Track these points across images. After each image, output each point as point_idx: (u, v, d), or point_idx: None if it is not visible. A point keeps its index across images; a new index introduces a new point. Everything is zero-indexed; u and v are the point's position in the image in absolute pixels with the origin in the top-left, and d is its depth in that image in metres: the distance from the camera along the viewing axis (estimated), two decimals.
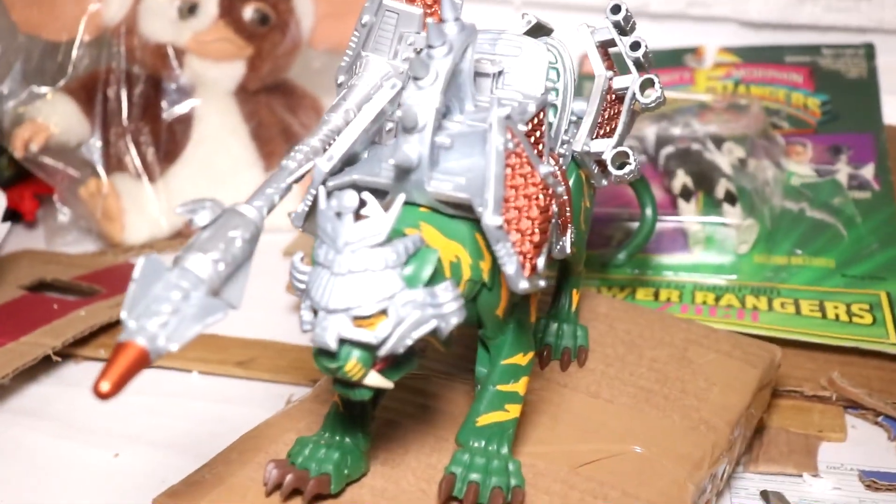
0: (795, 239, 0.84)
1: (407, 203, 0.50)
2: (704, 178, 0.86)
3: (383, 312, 0.46)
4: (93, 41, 0.95)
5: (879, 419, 0.71)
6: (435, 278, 0.47)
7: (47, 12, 0.93)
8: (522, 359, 0.54)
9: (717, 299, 0.78)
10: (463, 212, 0.50)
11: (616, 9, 0.61)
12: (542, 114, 0.53)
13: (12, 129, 0.93)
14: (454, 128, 0.50)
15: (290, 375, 0.75)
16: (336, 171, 0.51)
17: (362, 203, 0.46)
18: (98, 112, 0.94)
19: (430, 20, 0.51)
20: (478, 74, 0.54)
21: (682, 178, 0.86)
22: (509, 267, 0.47)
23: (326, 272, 0.46)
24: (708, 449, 0.58)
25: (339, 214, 0.46)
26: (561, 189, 0.53)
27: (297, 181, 0.51)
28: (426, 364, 0.64)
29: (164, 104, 0.95)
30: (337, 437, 0.53)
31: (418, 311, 0.46)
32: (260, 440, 0.57)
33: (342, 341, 0.46)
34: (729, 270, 0.81)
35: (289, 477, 0.52)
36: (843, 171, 0.90)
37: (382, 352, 0.46)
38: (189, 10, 0.93)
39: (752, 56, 1.06)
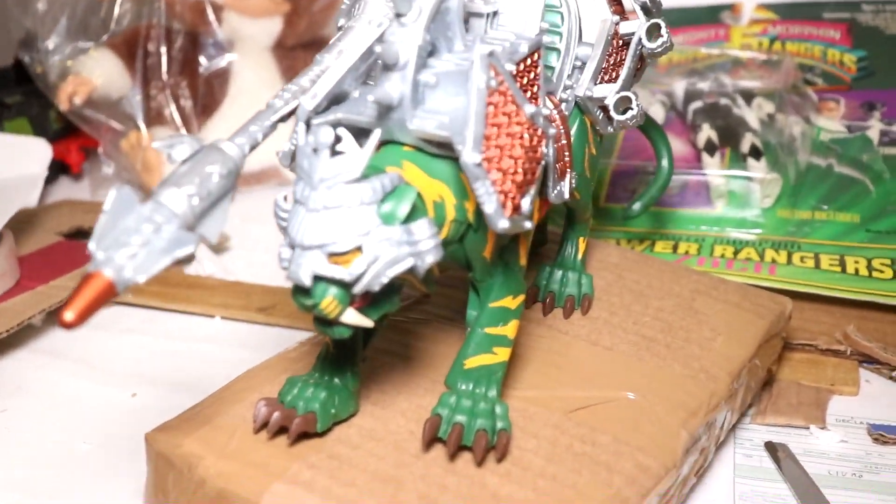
0: (822, 194, 0.83)
1: (391, 142, 0.51)
2: (731, 132, 0.85)
3: (359, 249, 0.46)
4: None
5: (893, 374, 0.70)
6: (414, 217, 0.47)
7: None
8: (511, 301, 0.55)
9: (736, 252, 0.78)
10: (447, 151, 0.50)
11: None
12: (536, 55, 0.53)
13: (58, 83, 0.95)
14: (441, 66, 0.50)
15: (308, 321, 0.75)
16: (322, 109, 0.52)
17: (339, 139, 0.47)
18: (139, 67, 0.96)
19: None
20: (471, 14, 0.54)
21: (706, 132, 0.85)
22: (488, 206, 0.48)
23: (303, 208, 0.46)
24: (705, 398, 0.58)
25: (315, 150, 0.47)
26: (553, 131, 0.53)
27: (282, 120, 0.52)
28: (428, 308, 0.65)
29: (202, 59, 0.97)
30: (326, 377, 0.54)
31: (394, 249, 0.46)
32: (255, 380, 0.58)
33: (317, 278, 0.46)
34: (752, 224, 0.81)
35: (275, 415, 0.53)
36: (875, 128, 0.89)
37: (357, 289, 0.46)
38: None
39: (789, 12, 1.05)
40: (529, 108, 0.50)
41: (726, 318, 0.65)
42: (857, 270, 0.75)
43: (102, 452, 0.63)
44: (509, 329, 0.55)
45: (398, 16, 0.49)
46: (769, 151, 0.83)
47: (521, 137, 0.50)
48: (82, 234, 0.89)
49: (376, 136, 0.47)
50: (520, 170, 0.49)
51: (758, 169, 0.82)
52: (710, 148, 0.85)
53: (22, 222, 0.86)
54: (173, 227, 0.45)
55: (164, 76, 0.96)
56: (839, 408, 0.68)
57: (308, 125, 0.51)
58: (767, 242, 0.79)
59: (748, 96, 0.89)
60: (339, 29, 0.58)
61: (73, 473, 0.61)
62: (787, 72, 0.91)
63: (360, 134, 0.50)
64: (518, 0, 0.55)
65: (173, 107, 0.96)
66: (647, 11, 0.61)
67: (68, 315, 0.42)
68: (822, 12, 1.03)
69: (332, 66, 0.52)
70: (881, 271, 0.75)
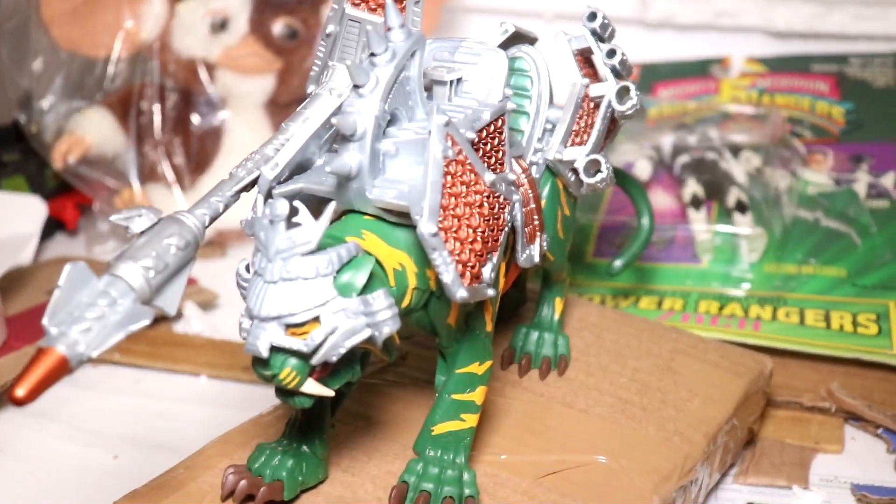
0: (808, 248, 0.83)
1: (352, 211, 0.51)
2: (717, 187, 0.85)
3: (316, 320, 0.46)
4: (129, 57, 0.98)
5: (879, 431, 0.70)
6: (372, 287, 0.48)
7: (87, 29, 0.97)
8: (478, 368, 0.54)
9: (721, 308, 0.78)
10: (408, 220, 0.50)
11: (592, 16, 0.62)
12: (500, 121, 0.54)
13: (53, 142, 0.96)
14: (401, 135, 0.51)
15: None
16: (284, 178, 0.52)
17: (297, 211, 0.47)
18: (133, 125, 0.97)
19: (369, 27, 0.52)
20: (435, 82, 0.55)
21: (692, 187, 0.85)
22: (446, 276, 0.48)
23: (260, 280, 0.47)
24: (679, 461, 0.58)
25: (271, 222, 0.47)
26: (518, 197, 0.53)
27: (245, 189, 0.52)
28: (403, 370, 0.65)
29: (195, 117, 0.98)
30: (294, 444, 0.54)
31: (351, 320, 0.46)
32: (228, 446, 0.58)
33: (275, 349, 0.46)
34: (738, 280, 0.81)
35: (242, 483, 0.53)
36: (862, 181, 0.89)
37: (315, 360, 0.46)
38: (220, 26, 0.96)
39: (778, 65, 1.05)
40: (489, 177, 0.51)
41: (704, 378, 0.65)
42: (842, 326, 0.75)
43: None
44: (477, 395, 0.54)
45: (356, 87, 0.50)
46: (755, 206, 0.83)
47: (481, 206, 0.50)
48: None
49: (331, 207, 0.48)
50: (479, 238, 0.49)
51: (744, 223, 0.82)
52: (696, 202, 0.84)
53: (14, 280, 0.87)
54: (129, 301, 0.45)
55: (158, 134, 0.97)
56: (823, 467, 0.67)
57: (270, 195, 0.51)
58: (753, 298, 0.79)
59: (736, 150, 0.89)
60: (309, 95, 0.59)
61: None
62: (776, 125, 0.91)
63: (323, 203, 0.50)
64: (481, 67, 0.56)
65: (167, 164, 0.96)
66: (618, 74, 0.62)
67: (20, 392, 0.42)
68: (811, 64, 1.03)
69: (294, 135, 0.52)
70: (866, 327, 0.74)
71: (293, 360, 0.47)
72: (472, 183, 0.50)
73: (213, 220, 0.50)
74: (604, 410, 0.62)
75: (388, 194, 0.50)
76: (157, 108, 0.97)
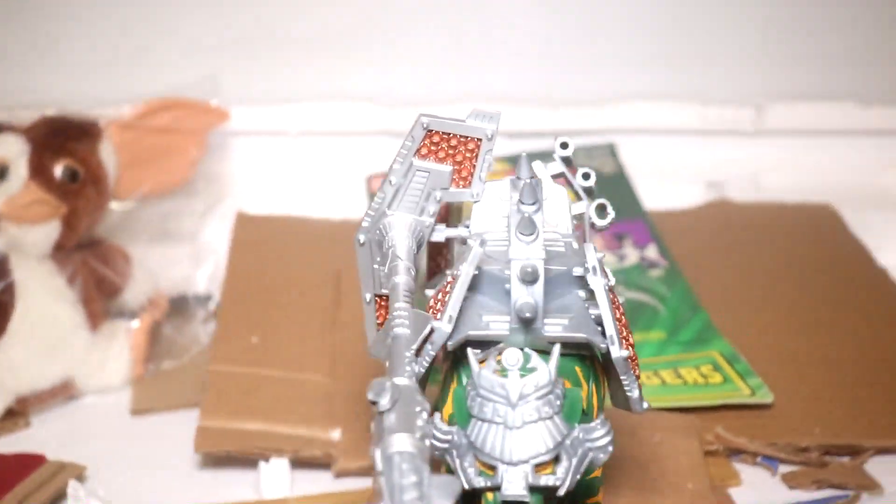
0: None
1: (523, 350, 0.55)
2: None
3: (558, 456, 0.51)
4: None
5: (758, 460, 0.83)
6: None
7: None
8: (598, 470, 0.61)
9: None
10: (570, 349, 0.56)
11: (565, 145, 0.70)
12: None
13: None
14: None
15: None
16: None
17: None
18: None
19: (523, 181, 0.57)
20: None
21: None
22: (634, 392, 0.55)
23: (499, 427, 0.51)
24: None
25: (503, 371, 0.51)
26: None
27: (420, 347, 0.54)
28: None
29: None
30: None
31: (580, 449, 0.52)
32: None
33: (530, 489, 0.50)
34: None
35: None
36: (632, 255, 1.04)
37: (562, 492, 0.51)
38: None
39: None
40: (622, 297, 0.58)
41: (672, 446, 0.75)
42: (695, 381, 0.88)
43: None
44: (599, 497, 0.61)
45: (523, 235, 0.55)
46: None
47: (627, 326, 0.57)
48: None
49: (557, 351, 0.52)
50: (637, 355, 0.56)
51: None
52: None
53: None
54: (426, 473, 0.46)
55: None
56: (739, 500, 0.80)
57: (445, 347, 0.54)
58: None
59: None
60: (362, 245, 0.62)
61: None
62: None
63: (481, 346, 0.54)
64: (551, 201, 0.63)
65: None
66: (590, 193, 0.70)
67: None
68: (544, 159, 1.16)
69: (456, 289, 0.55)
70: (711, 377, 0.88)
71: (536, 498, 0.51)
72: (618, 305, 0.57)
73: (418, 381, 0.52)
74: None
75: (556, 329, 0.55)
76: None
